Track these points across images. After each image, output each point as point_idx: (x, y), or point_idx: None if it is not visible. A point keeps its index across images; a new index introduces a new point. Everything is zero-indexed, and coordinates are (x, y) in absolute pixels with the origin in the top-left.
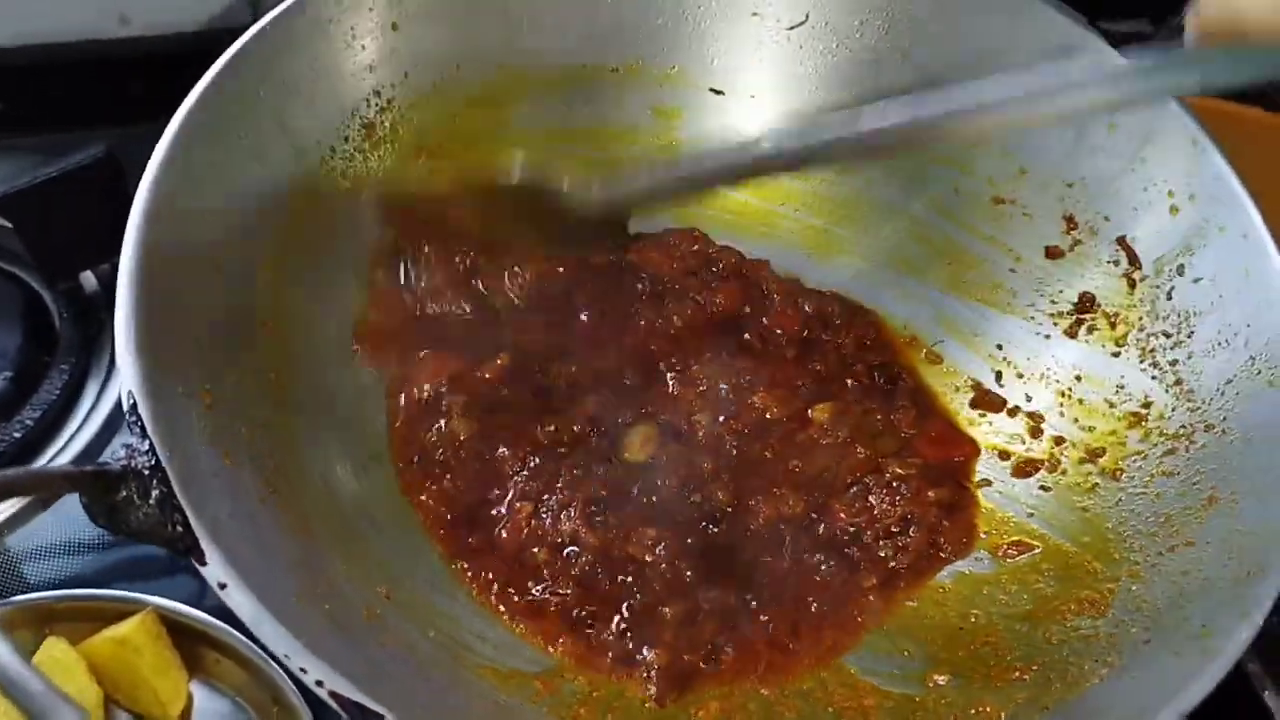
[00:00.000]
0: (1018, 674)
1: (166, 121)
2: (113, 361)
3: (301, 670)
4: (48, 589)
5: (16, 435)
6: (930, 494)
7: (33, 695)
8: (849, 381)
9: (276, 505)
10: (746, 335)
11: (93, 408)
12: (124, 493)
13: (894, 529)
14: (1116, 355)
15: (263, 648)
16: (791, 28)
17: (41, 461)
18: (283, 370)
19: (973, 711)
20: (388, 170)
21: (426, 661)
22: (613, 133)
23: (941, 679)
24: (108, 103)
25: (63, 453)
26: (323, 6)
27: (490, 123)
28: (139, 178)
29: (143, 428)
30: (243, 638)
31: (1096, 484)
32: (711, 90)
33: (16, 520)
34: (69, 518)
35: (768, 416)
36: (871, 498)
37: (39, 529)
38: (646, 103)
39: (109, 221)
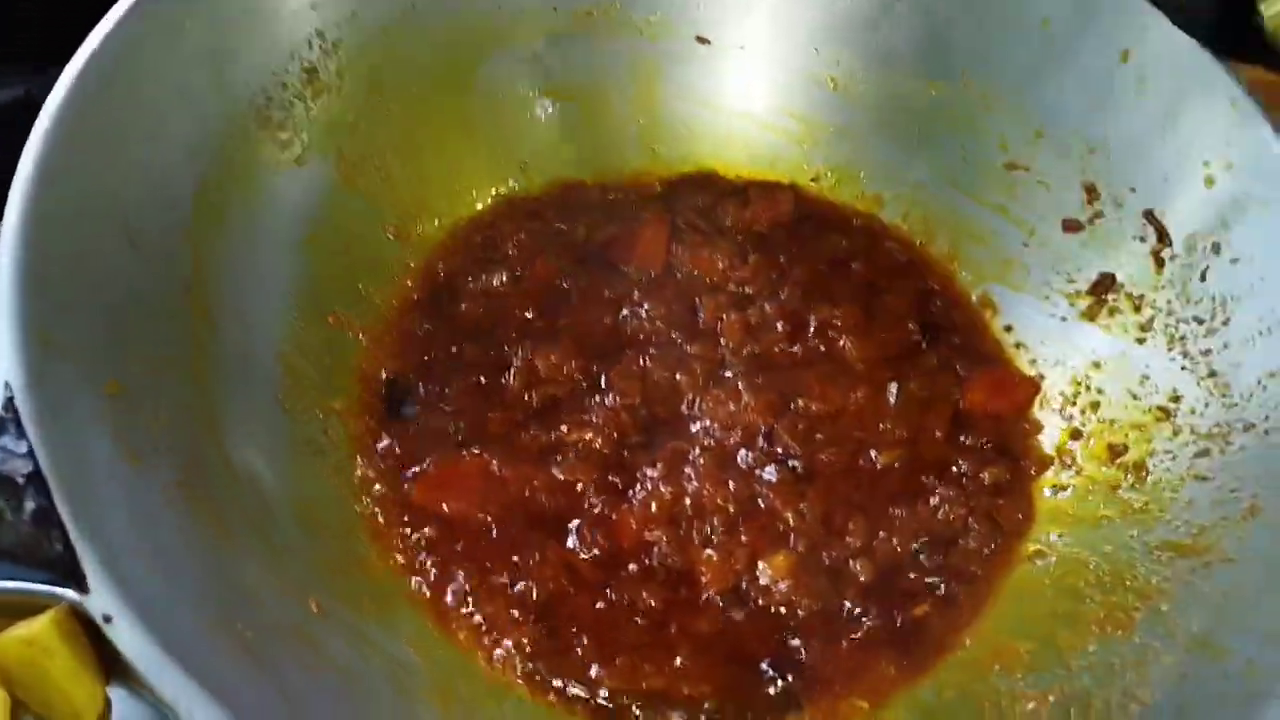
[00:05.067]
0: (1032, 704)
1: None
2: None
3: None
4: None
5: None
6: (985, 476)
7: None
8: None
9: (190, 506)
10: None
11: None
12: None
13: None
14: (1141, 342)
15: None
16: None
17: None
18: (208, 346)
19: None
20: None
21: (364, 691)
22: (586, 85)
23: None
24: (21, 42)
25: None
26: None
27: (453, 73)
28: None
29: (20, 426)
30: None
31: (1118, 485)
32: (697, 39)
33: None
34: None
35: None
36: (933, 499)
37: None
38: (624, 52)
39: None
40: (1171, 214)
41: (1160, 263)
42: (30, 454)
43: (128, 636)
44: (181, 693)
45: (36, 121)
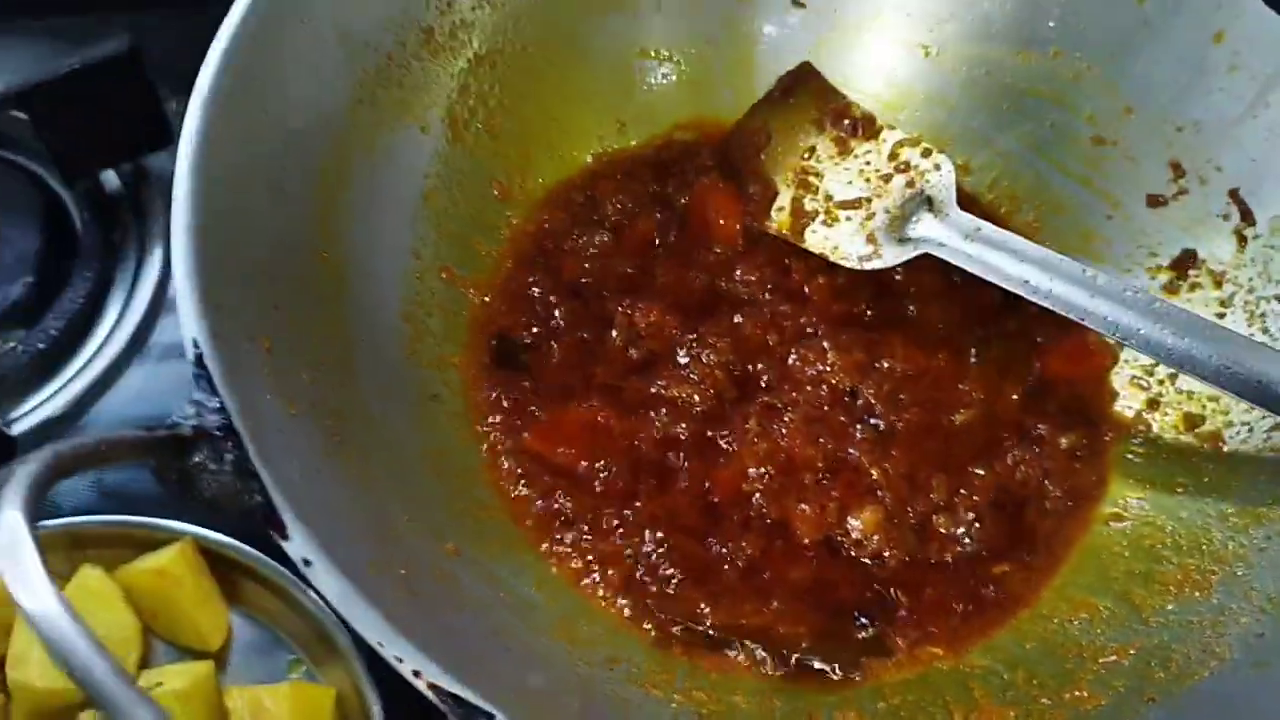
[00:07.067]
0: (1114, 657)
1: (186, 8)
2: (139, 267)
3: (397, 659)
4: (79, 514)
5: (40, 346)
6: (1062, 441)
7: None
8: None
9: (342, 455)
10: None
11: (119, 318)
12: (196, 458)
13: (1032, 495)
14: (1221, 317)
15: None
16: None
17: (68, 374)
18: (340, 304)
19: (1067, 696)
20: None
21: (501, 627)
22: (689, 46)
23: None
24: None
25: (89, 366)
26: None
27: (563, 34)
28: (161, 71)
29: (211, 382)
30: (282, 569)
31: (1194, 454)
32: (793, 2)
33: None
34: None
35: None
36: (1009, 458)
37: None
38: (722, 16)
39: (130, 118)
40: (1257, 194)
41: (1243, 241)
42: (221, 409)
43: (326, 578)
44: (377, 629)
45: (195, 90)
